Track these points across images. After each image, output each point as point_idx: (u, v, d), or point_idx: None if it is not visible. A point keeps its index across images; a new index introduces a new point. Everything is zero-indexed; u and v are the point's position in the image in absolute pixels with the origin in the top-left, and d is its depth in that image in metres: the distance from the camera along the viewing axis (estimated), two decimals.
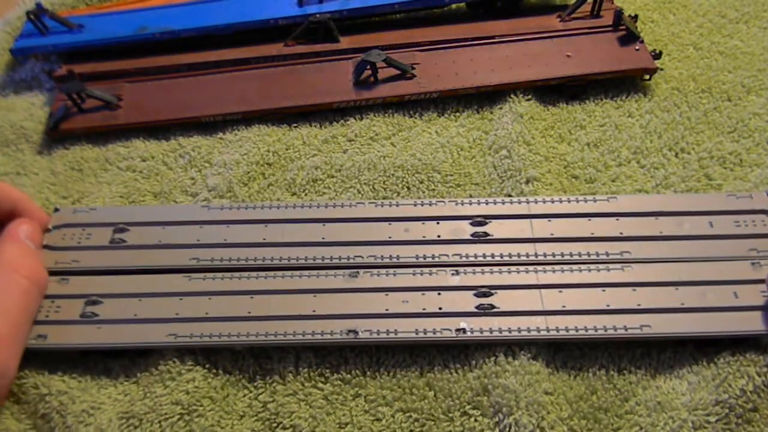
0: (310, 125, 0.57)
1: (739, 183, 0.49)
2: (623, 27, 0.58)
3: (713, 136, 0.53)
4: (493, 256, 0.44)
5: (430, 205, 0.47)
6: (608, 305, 0.41)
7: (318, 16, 0.60)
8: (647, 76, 0.57)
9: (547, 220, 0.45)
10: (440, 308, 0.41)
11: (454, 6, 0.65)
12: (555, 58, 0.57)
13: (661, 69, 0.57)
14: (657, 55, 0.57)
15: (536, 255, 0.43)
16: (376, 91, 0.57)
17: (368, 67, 0.57)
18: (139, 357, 0.43)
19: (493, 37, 0.60)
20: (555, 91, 0.57)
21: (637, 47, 0.57)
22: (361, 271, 0.43)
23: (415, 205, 0.47)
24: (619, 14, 0.58)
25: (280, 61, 0.60)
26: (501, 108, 0.56)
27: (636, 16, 0.61)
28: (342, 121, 0.57)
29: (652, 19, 0.64)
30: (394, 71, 0.57)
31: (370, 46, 0.58)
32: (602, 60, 0.57)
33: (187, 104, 0.57)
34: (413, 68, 0.58)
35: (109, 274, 0.44)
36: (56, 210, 0.48)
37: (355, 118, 0.56)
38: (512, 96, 0.56)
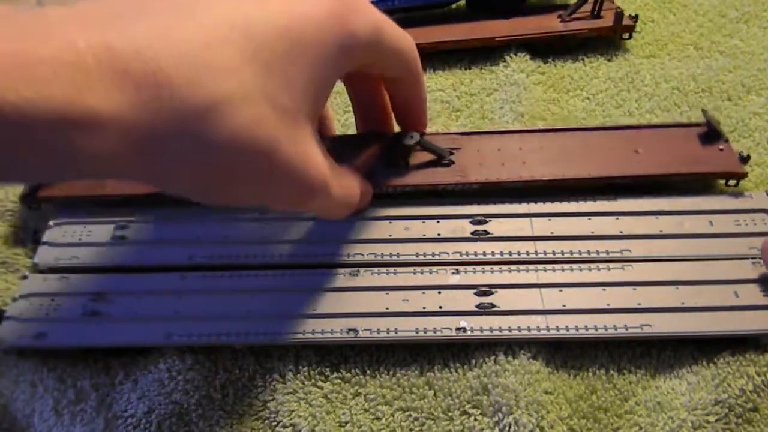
0: None
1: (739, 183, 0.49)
2: (705, 123, 0.48)
3: None
4: (493, 254, 0.44)
5: (431, 204, 0.47)
6: (608, 304, 0.41)
7: None
8: (734, 181, 0.48)
9: (547, 218, 0.45)
10: (440, 307, 0.41)
11: (454, 6, 0.65)
12: (622, 153, 0.47)
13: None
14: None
15: (536, 253, 0.43)
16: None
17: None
18: (139, 355, 0.43)
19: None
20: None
21: (721, 147, 0.47)
22: (362, 269, 0.43)
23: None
24: (619, 15, 0.58)
25: None
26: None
27: (636, 16, 0.61)
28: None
29: (652, 19, 0.64)
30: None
31: None
32: (678, 159, 0.47)
33: None
34: (452, 153, 0.47)
35: (109, 272, 0.44)
36: None
37: None
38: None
